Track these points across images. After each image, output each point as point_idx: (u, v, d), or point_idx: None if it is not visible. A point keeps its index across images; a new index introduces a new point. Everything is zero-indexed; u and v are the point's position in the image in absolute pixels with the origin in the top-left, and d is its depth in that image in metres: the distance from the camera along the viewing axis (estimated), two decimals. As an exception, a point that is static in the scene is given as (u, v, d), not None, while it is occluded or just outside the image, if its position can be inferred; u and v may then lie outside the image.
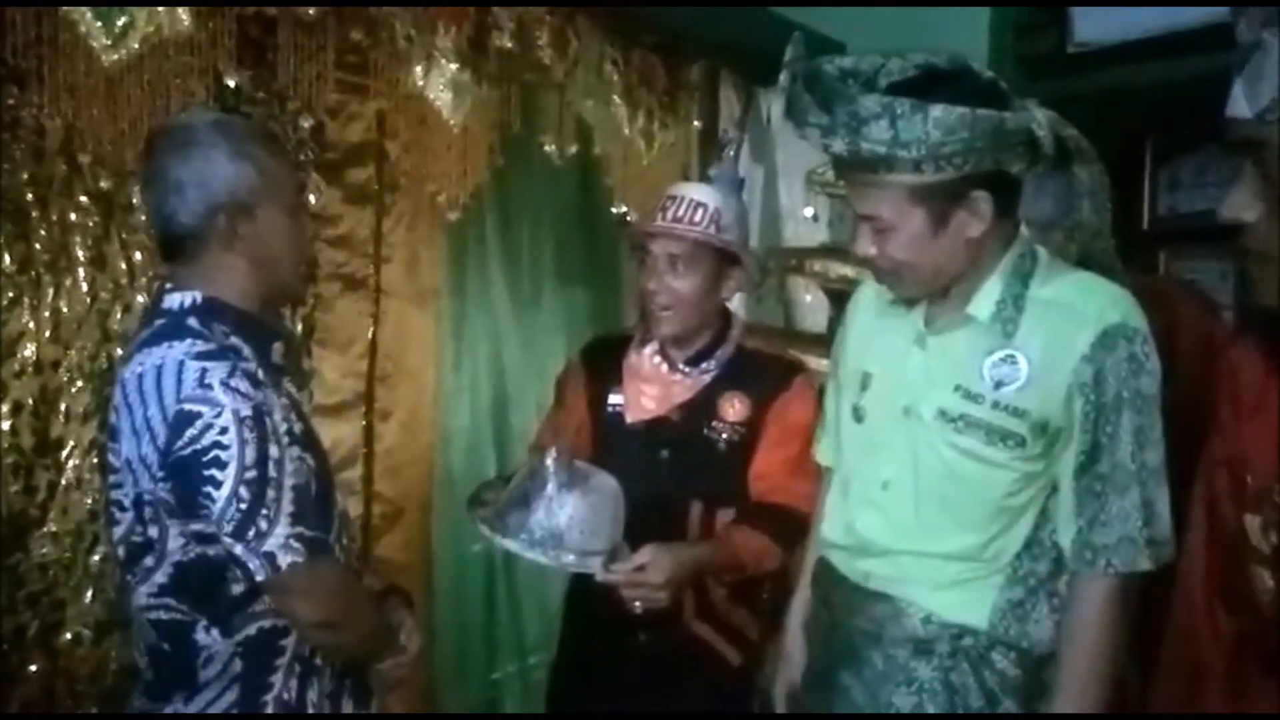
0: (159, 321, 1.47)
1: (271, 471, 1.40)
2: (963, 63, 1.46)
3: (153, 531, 1.44)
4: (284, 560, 1.39)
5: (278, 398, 1.48)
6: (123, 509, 1.47)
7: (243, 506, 1.38)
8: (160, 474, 1.39)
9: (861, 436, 1.65)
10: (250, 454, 1.38)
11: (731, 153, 2.18)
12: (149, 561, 1.46)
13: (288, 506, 1.41)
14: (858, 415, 1.66)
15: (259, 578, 1.40)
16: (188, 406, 1.37)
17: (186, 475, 1.38)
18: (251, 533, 1.38)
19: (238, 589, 1.45)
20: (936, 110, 1.34)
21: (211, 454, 1.37)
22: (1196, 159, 3.35)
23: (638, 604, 1.78)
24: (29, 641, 2.17)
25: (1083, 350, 1.46)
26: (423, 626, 2.76)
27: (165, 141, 1.49)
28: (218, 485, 1.37)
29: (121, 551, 1.49)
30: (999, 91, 1.43)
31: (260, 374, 1.46)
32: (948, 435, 1.52)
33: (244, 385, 1.40)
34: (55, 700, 2.19)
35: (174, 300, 1.48)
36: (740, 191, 2.12)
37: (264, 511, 1.39)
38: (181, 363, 1.39)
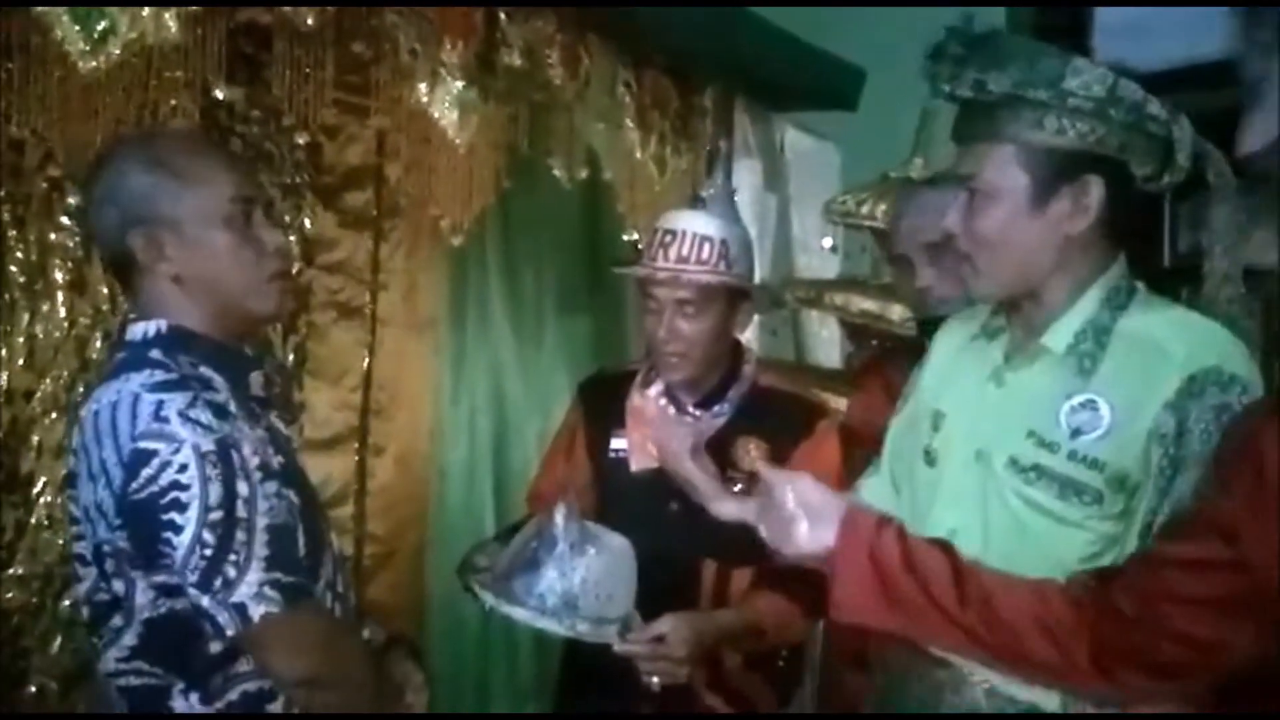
0: (120, 355, 1.35)
1: (240, 511, 1.26)
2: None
3: (118, 586, 1.30)
4: (256, 611, 1.25)
5: (253, 430, 1.34)
6: (85, 563, 1.33)
7: (207, 553, 1.24)
8: (117, 521, 1.27)
9: (932, 481, 1.50)
10: (214, 493, 1.25)
11: (721, 174, 2.00)
12: (117, 621, 1.32)
13: (260, 550, 1.27)
14: (929, 458, 1.50)
15: (229, 632, 1.26)
16: (144, 444, 1.24)
17: (144, 520, 1.25)
18: (219, 582, 1.24)
19: (216, 647, 1.31)
20: (1080, 60, 1.30)
21: (170, 495, 1.23)
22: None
23: (655, 679, 1.62)
24: (-10, 693, 2.02)
25: (1166, 396, 1.29)
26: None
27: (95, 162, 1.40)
28: (178, 530, 1.23)
29: (86, 611, 1.35)
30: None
31: (232, 405, 1.33)
32: (1018, 486, 1.37)
33: (205, 416, 1.27)
34: (17, 756, 2.04)
35: (137, 331, 1.37)
36: (736, 209, 1.95)
37: (231, 557, 1.25)
38: (137, 396, 1.26)
